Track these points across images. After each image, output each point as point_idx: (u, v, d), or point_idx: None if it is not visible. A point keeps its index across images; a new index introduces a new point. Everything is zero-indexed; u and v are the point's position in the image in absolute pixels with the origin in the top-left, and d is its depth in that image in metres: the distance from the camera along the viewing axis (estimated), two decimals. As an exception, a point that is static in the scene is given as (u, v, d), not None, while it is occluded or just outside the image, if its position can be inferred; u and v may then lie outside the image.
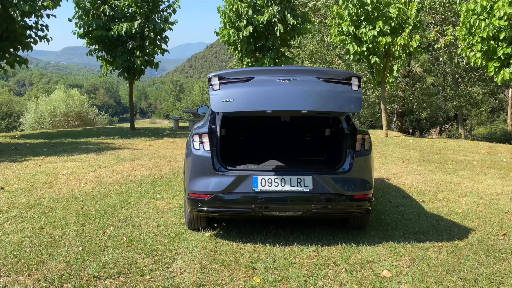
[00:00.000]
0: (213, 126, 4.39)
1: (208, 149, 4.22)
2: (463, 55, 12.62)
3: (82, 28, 15.46)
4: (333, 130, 5.19)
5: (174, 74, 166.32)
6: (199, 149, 4.26)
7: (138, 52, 15.71)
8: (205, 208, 4.23)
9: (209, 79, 4.00)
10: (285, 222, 4.90)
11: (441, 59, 19.52)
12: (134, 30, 15.11)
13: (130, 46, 15.57)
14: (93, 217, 5.17)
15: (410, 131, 31.38)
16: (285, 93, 3.95)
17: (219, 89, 3.96)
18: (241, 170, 4.26)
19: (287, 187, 4.14)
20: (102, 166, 8.34)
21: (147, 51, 15.94)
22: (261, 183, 4.13)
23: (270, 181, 4.14)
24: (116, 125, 52.49)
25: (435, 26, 17.90)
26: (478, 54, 11.67)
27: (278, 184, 4.14)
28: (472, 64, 12.15)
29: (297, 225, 4.85)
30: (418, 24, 14.76)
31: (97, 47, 16.01)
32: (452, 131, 30.58)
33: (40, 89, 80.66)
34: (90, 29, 15.35)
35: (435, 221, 5.24)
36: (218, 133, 4.36)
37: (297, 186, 4.14)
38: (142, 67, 16.01)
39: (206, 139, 4.24)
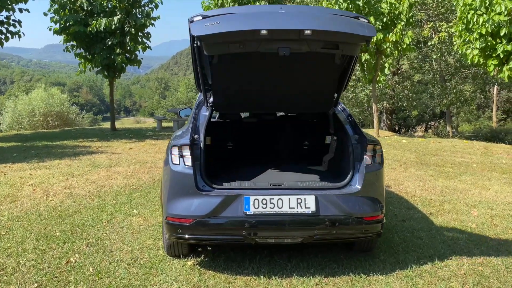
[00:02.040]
0: (196, 136, 3.69)
1: (190, 164, 3.52)
2: (459, 52, 12.11)
3: (58, 24, 14.55)
4: (335, 137, 4.53)
5: (159, 71, 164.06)
6: (179, 164, 3.55)
7: (118, 49, 14.85)
8: (186, 236, 3.54)
9: (190, 19, 3.26)
10: (281, 246, 4.23)
11: (434, 56, 19.03)
12: (113, 26, 14.23)
13: (109, 43, 14.67)
14: (57, 241, 4.43)
15: (397, 128, 31.06)
16: (284, 15, 3.30)
17: (202, 20, 3.22)
18: (230, 188, 3.57)
19: (285, 209, 3.47)
20: (75, 174, 7.56)
21: (128, 47, 15.07)
22: (253, 204, 3.46)
23: (264, 202, 3.47)
24: (101, 124, 51.14)
25: (428, 22, 17.40)
26: (475, 51, 11.16)
27: (274, 205, 3.47)
28: (469, 62, 11.64)
29: (294, 249, 4.17)
30: (411, 20, 14.26)
31: (75, 43, 15.11)
32: (440, 128, 30.33)
33: (22, 88, 78.58)
34: (67, 24, 14.46)
35: (450, 239, 4.62)
36: (201, 144, 3.66)
37: (297, 207, 3.48)
38: (123, 64, 15.14)
39: (187, 152, 3.54)
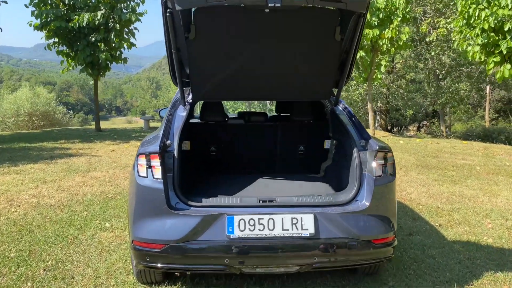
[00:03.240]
0: (168, 142, 3.04)
1: (160, 177, 2.87)
2: (459, 48, 11.56)
3: (39, 19, 13.79)
4: (335, 142, 3.90)
5: (150, 71, 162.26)
6: (146, 177, 2.90)
7: (102, 46, 14.11)
8: (159, 265, 2.90)
9: None
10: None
11: (433, 53, 18.50)
12: (97, 21, 13.49)
13: (93, 39, 13.97)
14: (10, 264, 3.77)
15: (389, 128, 30.59)
16: None
17: None
18: (210, 206, 2.93)
19: (277, 231, 2.84)
20: (48, 180, 6.88)
21: (113, 44, 14.34)
22: (239, 226, 2.83)
23: (252, 222, 2.84)
24: (91, 123, 50.08)
25: (426, 18, 16.86)
26: (477, 48, 10.61)
27: (264, 226, 2.84)
28: (469, 59, 11.09)
29: (289, 275, 3.55)
30: (407, 16, 13.71)
31: (57, 40, 14.38)
32: (434, 128, 29.92)
33: (11, 87, 77.16)
34: (48, 19, 13.72)
35: (467, 258, 4.03)
36: (175, 151, 3.02)
37: (292, 229, 2.85)
38: (108, 62, 14.44)
39: (156, 161, 2.89)
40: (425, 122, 32.48)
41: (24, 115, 26.01)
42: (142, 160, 2.91)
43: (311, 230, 2.85)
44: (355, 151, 3.18)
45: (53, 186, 6.50)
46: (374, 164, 3.06)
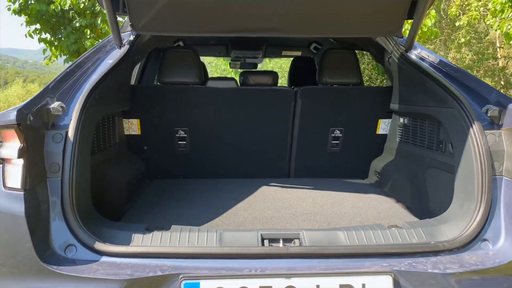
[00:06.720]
0: (57, 104, 1.39)
1: (19, 185, 1.21)
2: (499, 31, 9.93)
3: (17, 2, 12.39)
4: (407, 120, 2.22)
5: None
6: None
7: (88, 32, 12.65)
8: None
9: None
10: None
11: (463, 39, 16.76)
12: (82, 5, 12.11)
13: (78, 25, 12.54)
14: None
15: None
16: None
17: None
18: (147, 255, 1.27)
19: None
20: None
21: (101, 30, 12.87)
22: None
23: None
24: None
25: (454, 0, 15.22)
26: (522, 29, 8.99)
27: None
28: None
29: None
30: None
31: (38, 26, 12.99)
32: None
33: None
34: (28, 2, 12.32)
35: None
36: (72, 124, 1.36)
37: None
38: (95, 50, 12.94)
39: (13, 145, 1.24)
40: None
41: (15, 114, 24.96)
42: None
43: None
44: (474, 128, 1.49)
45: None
46: None
